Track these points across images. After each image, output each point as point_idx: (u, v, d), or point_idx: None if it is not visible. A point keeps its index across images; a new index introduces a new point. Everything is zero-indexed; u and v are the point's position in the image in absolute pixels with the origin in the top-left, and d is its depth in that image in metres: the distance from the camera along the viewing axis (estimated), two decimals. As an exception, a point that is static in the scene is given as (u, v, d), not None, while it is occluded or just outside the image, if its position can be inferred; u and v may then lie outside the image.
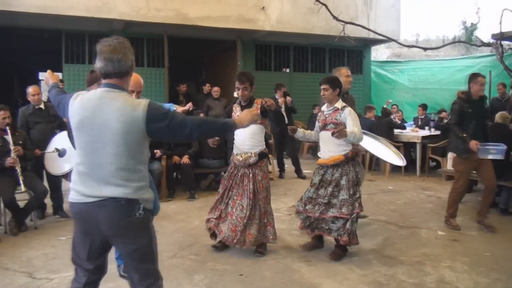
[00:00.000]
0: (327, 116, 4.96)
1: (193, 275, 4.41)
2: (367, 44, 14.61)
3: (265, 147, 5.01)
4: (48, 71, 3.17)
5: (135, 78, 3.70)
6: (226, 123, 2.91)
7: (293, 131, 5.11)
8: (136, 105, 2.58)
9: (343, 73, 5.87)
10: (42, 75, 12.34)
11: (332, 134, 4.61)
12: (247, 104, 4.92)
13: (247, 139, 4.84)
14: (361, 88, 15.02)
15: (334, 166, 4.86)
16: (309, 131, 5.38)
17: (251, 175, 4.85)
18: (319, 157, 5.06)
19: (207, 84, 11.81)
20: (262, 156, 4.92)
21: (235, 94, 7.57)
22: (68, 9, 10.19)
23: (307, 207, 4.97)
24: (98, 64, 2.62)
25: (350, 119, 4.80)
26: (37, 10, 9.95)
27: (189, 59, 15.99)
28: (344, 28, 9.96)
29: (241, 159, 4.83)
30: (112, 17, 10.65)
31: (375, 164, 10.17)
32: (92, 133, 2.56)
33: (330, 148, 4.86)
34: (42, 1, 9.90)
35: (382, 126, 9.83)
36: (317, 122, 5.18)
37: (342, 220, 4.75)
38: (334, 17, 9.84)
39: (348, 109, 4.89)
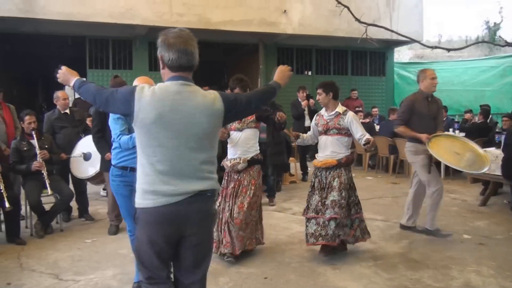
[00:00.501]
0: (328, 121, 4.95)
1: (218, 278, 4.42)
2: (389, 45, 14.49)
3: (258, 152, 4.97)
4: (64, 67, 2.90)
5: (148, 81, 3.85)
6: (273, 86, 2.88)
7: (297, 137, 5.12)
8: (214, 98, 2.55)
9: (428, 75, 5.72)
10: (67, 81, 12.55)
11: (366, 149, 4.81)
12: None
13: (240, 145, 4.85)
14: (384, 90, 14.91)
15: (326, 169, 4.87)
16: (305, 135, 5.29)
17: (236, 180, 4.83)
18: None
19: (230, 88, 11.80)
20: (252, 162, 4.88)
21: None
22: (92, 15, 10.34)
23: (317, 210, 4.88)
24: (170, 55, 2.48)
25: (358, 124, 4.84)
26: (61, 17, 10.13)
27: (212, 63, 16.07)
28: (367, 30, 9.88)
29: (229, 164, 4.85)
30: (135, 23, 10.77)
31: (399, 166, 10.05)
32: (173, 129, 2.44)
33: (328, 153, 4.88)
34: (66, 8, 10.08)
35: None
36: (314, 126, 5.16)
37: (336, 221, 4.73)
38: (356, 19, 9.75)
39: (351, 114, 4.93)
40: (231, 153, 4.91)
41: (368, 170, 10.59)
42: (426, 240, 5.55)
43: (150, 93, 2.45)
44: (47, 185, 5.63)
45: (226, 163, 4.87)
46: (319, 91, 5.05)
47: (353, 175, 5.08)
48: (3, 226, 5.81)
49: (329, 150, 4.87)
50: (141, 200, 2.49)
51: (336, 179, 4.80)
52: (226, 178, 4.93)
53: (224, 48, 14.15)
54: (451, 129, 10.64)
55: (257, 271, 4.60)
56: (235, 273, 4.55)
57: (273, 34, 12.26)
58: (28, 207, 5.98)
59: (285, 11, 12.01)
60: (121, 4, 10.57)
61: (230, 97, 2.66)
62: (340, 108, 4.97)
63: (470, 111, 11.81)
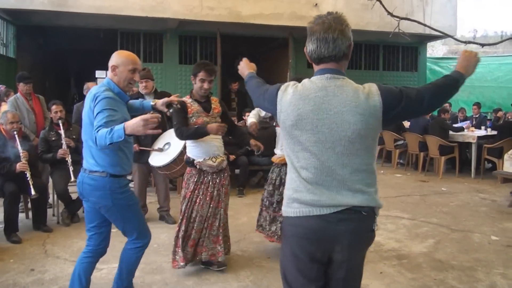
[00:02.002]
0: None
1: (239, 271, 4.41)
2: (422, 40, 14.22)
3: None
4: (244, 59, 2.79)
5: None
6: (454, 77, 2.21)
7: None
8: (368, 91, 2.11)
9: None
10: (98, 73, 12.71)
11: None
12: (205, 101, 4.35)
13: (215, 140, 4.34)
14: (416, 85, 14.55)
15: (283, 165, 4.82)
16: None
17: (217, 180, 4.34)
18: None
19: (258, 82, 11.82)
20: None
21: None
22: (124, 8, 10.45)
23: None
24: (310, 46, 2.21)
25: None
26: (93, 10, 10.27)
27: (242, 57, 16.05)
28: (399, 24, 9.72)
29: (215, 163, 4.28)
30: (166, 16, 10.84)
31: (429, 164, 9.87)
32: (317, 131, 2.09)
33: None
34: (98, 1, 10.21)
35: (436, 126, 9.53)
36: (261, 116, 5.04)
37: None
38: (389, 13, 9.60)
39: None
40: (206, 151, 4.28)
41: (398, 167, 10.42)
42: (453, 240, 5.43)
43: (292, 91, 2.18)
44: (71, 173, 5.70)
45: (208, 163, 4.25)
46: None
47: (381, 172, 4.99)
48: (30, 214, 5.93)
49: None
50: (286, 208, 2.21)
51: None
52: (196, 179, 4.29)
53: (254, 42, 14.11)
54: (483, 127, 10.36)
55: (279, 266, 4.56)
56: (256, 267, 4.54)
57: (304, 27, 12.00)
58: (55, 196, 6.10)
59: (316, 4, 11.90)
60: (152, -3, 10.66)
61: (392, 90, 2.13)
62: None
63: (500, 109, 11.48)
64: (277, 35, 12.97)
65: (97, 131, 2.90)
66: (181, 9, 10.87)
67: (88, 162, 3.28)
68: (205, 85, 4.23)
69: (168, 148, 5.70)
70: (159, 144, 6.02)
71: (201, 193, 4.29)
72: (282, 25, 11.71)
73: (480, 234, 5.63)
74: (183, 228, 4.28)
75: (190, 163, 4.31)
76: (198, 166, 4.26)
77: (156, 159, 5.85)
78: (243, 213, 6.56)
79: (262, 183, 8.52)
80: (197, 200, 4.28)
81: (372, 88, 2.12)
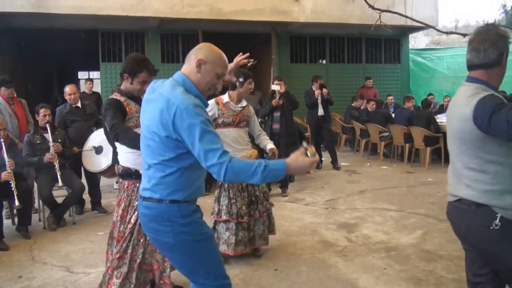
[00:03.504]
0: (238, 112, 4.62)
1: (228, 270, 4.31)
2: (404, 32, 14.26)
3: None
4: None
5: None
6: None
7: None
8: (471, 100, 2.31)
9: None
10: (81, 74, 12.61)
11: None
12: (136, 98, 3.69)
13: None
14: (399, 77, 14.69)
15: None
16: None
17: None
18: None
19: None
20: None
21: (273, 87, 7.58)
22: (103, 8, 10.34)
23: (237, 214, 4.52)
24: (467, 56, 2.45)
25: (256, 118, 4.88)
26: (73, 11, 10.15)
27: (225, 53, 16.00)
28: (381, 16, 9.76)
29: None
30: (147, 15, 10.74)
31: (414, 155, 9.92)
32: (448, 129, 2.55)
33: (244, 146, 4.61)
34: (77, 1, 10.09)
35: (421, 118, 9.57)
36: (222, 119, 4.57)
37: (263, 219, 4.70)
38: (370, 6, 9.66)
39: (252, 108, 4.89)
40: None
41: (383, 159, 10.47)
42: (441, 230, 5.46)
43: None
44: (59, 178, 5.66)
45: None
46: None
47: (367, 164, 5.00)
48: (15, 220, 5.86)
49: (242, 143, 4.58)
50: None
51: None
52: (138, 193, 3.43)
53: (236, 39, 14.06)
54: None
55: (268, 263, 4.57)
56: (245, 265, 4.53)
57: (286, 23, 12.13)
58: (40, 201, 6.03)
59: (297, -1, 11.88)
60: (132, -4, 10.55)
61: (486, 103, 2.25)
62: (244, 100, 4.78)
63: None
64: (260, 31, 12.94)
65: (214, 157, 2.21)
66: (161, 7, 10.77)
67: (144, 185, 2.50)
68: (145, 88, 3.34)
69: (101, 151, 5.83)
70: (88, 146, 6.09)
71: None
72: (264, 20, 11.67)
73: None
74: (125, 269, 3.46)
75: (132, 174, 3.53)
76: None
77: (95, 163, 5.89)
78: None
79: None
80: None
81: (476, 98, 2.29)
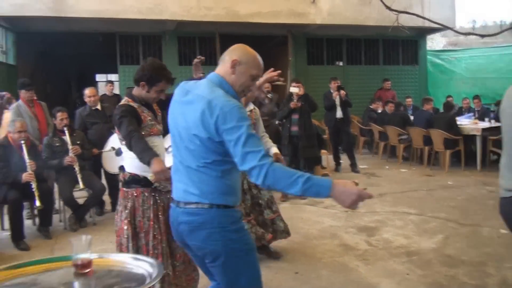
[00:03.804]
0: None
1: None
2: (422, 33, 14.15)
3: None
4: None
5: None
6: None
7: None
8: None
9: None
10: (99, 77, 12.72)
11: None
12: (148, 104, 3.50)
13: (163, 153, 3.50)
14: (417, 79, 14.57)
15: None
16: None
17: (166, 202, 3.33)
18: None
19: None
20: None
21: (291, 90, 7.56)
22: (121, 12, 10.42)
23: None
24: None
25: (261, 121, 4.77)
26: (91, 14, 10.24)
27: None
28: (398, 17, 9.70)
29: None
30: (164, 18, 10.81)
31: (434, 158, 9.82)
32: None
33: None
34: (95, 5, 10.18)
35: (443, 121, 9.44)
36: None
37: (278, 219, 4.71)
38: (387, 7, 9.60)
39: (258, 110, 4.80)
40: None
41: (402, 162, 10.37)
42: (462, 234, 5.39)
43: None
44: (79, 180, 5.71)
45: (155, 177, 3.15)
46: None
47: (387, 167, 4.95)
48: (36, 220, 5.94)
49: None
50: None
51: None
52: (152, 203, 3.34)
53: (253, 41, 14.05)
54: (486, 119, 10.28)
55: (288, 266, 4.56)
56: (265, 268, 4.48)
57: (302, 25, 12.12)
58: (61, 202, 6.11)
59: (313, 1, 11.84)
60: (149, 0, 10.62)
61: None
62: (251, 103, 4.66)
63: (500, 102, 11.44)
64: (276, 33, 12.94)
65: (256, 160, 2.10)
66: (178, 10, 10.83)
67: (185, 190, 2.34)
68: (162, 97, 3.44)
69: (121, 152, 5.83)
70: (108, 148, 6.12)
71: (159, 224, 3.33)
72: (280, 22, 11.67)
73: (489, 228, 5.58)
74: None
75: (141, 181, 3.29)
76: (156, 184, 3.29)
77: (114, 165, 5.90)
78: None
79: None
80: (141, 231, 3.32)
81: None
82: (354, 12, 12.08)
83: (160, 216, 3.30)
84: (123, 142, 3.21)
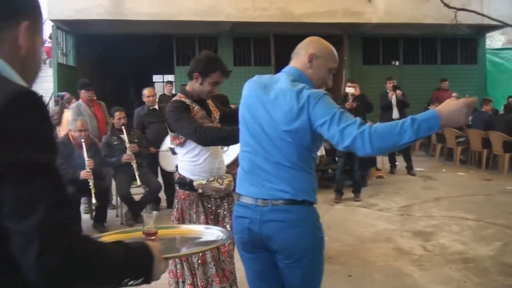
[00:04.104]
0: None
1: (301, 275, 4.42)
2: (481, 31, 13.71)
3: None
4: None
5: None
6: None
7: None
8: None
9: None
10: (155, 78, 13.07)
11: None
12: (203, 102, 3.26)
13: (220, 156, 3.34)
14: (476, 79, 14.13)
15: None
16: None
17: (225, 207, 3.26)
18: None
19: (312, 81, 11.83)
20: None
21: (347, 90, 7.52)
22: (178, 14, 10.67)
23: None
24: None
25: None
26: (149, 17, 10.54)
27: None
28: (456, 15, 9.45)
29: (223, 186, 3.19)
30: (220, 20, 10.98)
31: (493, 162, 9.52)
32: None
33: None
34: (153, 8, 10.48)
35: (502, 122, 9.13)
36: None
37: None
38: (445, 4, 9.36)
39: None
40: (210, 169, 3.16)
41: (460, 165, 10.11)
42: (522, 241, 5.23)
43: None
44: (137, 177, 5.91)
45: (214, 185, 3.13)
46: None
47: (443, 170, 4.84)
48: (94, 214, 6.16)
49: None
50: None
51: None
52: (196, 208, 3.17)
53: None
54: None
55: (341, 269, 4.55)
56: (318, 271, 4.53)
57: (358, 24, 12.02)
58: (118, 198, 6.32)
59: None
60: (205, 2, 10.81)
61: None
62: None
63: None
64: (331, 33, 12.82)
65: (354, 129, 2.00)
66: (234, 11, 10.98)
67: (274, 188, 2.23)
68: (216, 90, 3.26)
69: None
70: (164, 147, 6.20)
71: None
72: (335, 22, 11.61)
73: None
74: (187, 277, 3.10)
75: (187, 185, 3.15)
76: (199, 190, 3.12)
77: (171, 163, 5.98)
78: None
79: (321, 183, 8.48)
80: None
81: None
82: (411, 10, 11.86)
83: (210, 223, 3.05)
84: (178, 141, 3.08)
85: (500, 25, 11.66)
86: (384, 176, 9.01)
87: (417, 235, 5.53)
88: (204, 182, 3.09)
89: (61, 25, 11.14)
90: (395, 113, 9.09)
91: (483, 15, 10.04)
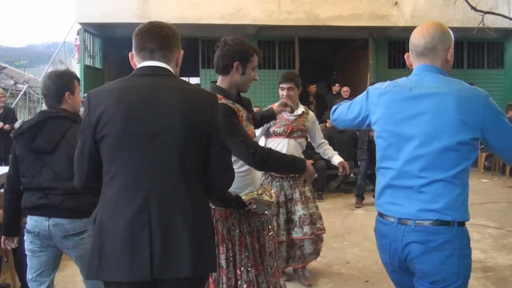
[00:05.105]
0: (292, 121, 4.25)
1: (318, 278, 4.48)
2: (508, 35, 13.46)
3: None
4: None
5: None
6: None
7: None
8: None
9: None
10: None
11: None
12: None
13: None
14: (502, 84, 13.86)
15: (282, 177, 4.19)
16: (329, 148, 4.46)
17: (264, 222, 2.84)
18: None
19: (337, 84, 11.85)
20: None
21: None
22: (204, 17, 10.80)
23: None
24: None
25: (318, 126, 4.45)
26: (175, 20, 10.65)
27: (321, 59, 16.06)
28: (483, 18, 9.36)
29: (273, 199, 2.82)
30: (246, 23, 11.06)
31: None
32: None
33: None
34: (179, 12, 10.62)
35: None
36: (273, 128, 4.23)
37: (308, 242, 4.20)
38: (472, 7, 9.29)
39: (313, 114, 4.44)
40: (254, 180, 2.77)
41: (484, 172, 10.01)
42: (544, 251, 5.19)
43: None
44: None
45: (266, 199, 2.74)
46: (291, 85, 4.07)
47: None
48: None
49: (295, 154, 3.91)
50: None
51: (297, 189, 4.21)
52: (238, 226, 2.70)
53: (333, 44, 14.05)
54: None
55: (359, 274, 4.60)
56: (335, 274, 4.59)
57: (384, 27, 11.96)
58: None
59: (396, 2, 11.64)
60: (231, 5, 10.90)
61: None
62: (302, 107, 4.33)
63: None
64: (357, 36, 12.85)
65: None
66: (260, 15, 11.05)
67: (432, 207, 2.03)
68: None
69: None
70: None
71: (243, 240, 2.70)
72: (361, 25, 11.58)
73: None
74: None
75: (233, 200, 2.64)
76: (253, 206, 2.67)
77: None
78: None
79: (342, 187, 8.52)
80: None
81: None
82: (438, 14, 11.75)
83: (248, 244, 2.69)
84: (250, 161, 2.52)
85: (527, 29, 11.51)
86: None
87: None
88: (256, 195, 2.68)
89: (88, 28, 11.37)
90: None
91: (510, 18, 9.92)
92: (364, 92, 2.31)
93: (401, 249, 2.07)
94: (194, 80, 15.20)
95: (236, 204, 2.64)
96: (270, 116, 3.41)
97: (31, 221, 2.82)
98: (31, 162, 2.80)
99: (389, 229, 2.13)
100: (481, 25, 9.29)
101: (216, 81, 2.77)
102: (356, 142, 7.83)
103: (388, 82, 2.24)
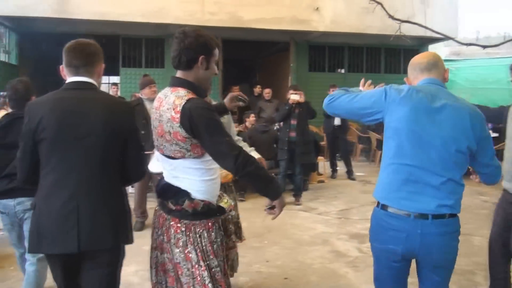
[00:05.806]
0: None
1: (238, 277, 4.42)
2: (424, 43, 14.19)
3: None
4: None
5: None
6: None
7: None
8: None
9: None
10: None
11: None
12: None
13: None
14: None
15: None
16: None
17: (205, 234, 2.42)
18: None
19: (258, 86, 11.93)
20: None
21: (292, 97, 7.53)
22: (125, 15, 10.51)
23: None
24: None
25: (233, 124, 4.53)
26: (96, 16, 10.33)
27: (243, 61, 16.13)
28: (400, 27, 9.73)
29: (226, 205, 2.64)
30: (168, 22, 10.87)
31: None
32: None
33: None
34: (100, 7, 10.27)
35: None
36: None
37: None
38: (390, 16, 9.62)
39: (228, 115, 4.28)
40: (219, 184, 2.55)
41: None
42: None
43: None
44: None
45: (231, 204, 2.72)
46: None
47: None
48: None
49: None
50: None
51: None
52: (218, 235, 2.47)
53: (255, 47, 14.15)
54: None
55: (278, 271, 4.61)
56: (255, 273, 4.57)
57: (305, 32, 12.18)
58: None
59: (317, 8, 11.90)
60: (153, 3, 10.69)
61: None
62: None
63: None
64: (279, 39, 13.01)
65: None
66: (182, 14, 10.91)
67: (441, 204, 2.35)
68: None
69: None
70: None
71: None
72: (283, 29, 11.74)
73: (480, 237, 5.62)
74: None
75: (216, 211, 2.50)
76: (232, 213, 2.87)
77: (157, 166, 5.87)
78: (242, 218, 6.56)
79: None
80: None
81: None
82: (356, 21, 12.14)
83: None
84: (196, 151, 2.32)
85: (442, 38, 12.11)
86: (325, 180, 9.18)
87: (354, 237, 5.67)
88: (232, 202, 2.66)
89: (4, 21, 10.74)
90: (337, 120, 9.34)
91: (426, 27, 10.37)
92: (381, 90, 2.48)
93: (419, 241, 2.35)
94: (114, 79, 14.74)
95: (219, 213, 2.53)
96: (223, 111, 3.00)
97: (1, 204, 3.49)
98: (1, 156, 3.42)
99: (405, 223, 2.37)
100: (398, 33, 9.63)
101: (175, 76, 2.45)
102: (277, 142, 7.89)
103: (408, 86, 2.47)
